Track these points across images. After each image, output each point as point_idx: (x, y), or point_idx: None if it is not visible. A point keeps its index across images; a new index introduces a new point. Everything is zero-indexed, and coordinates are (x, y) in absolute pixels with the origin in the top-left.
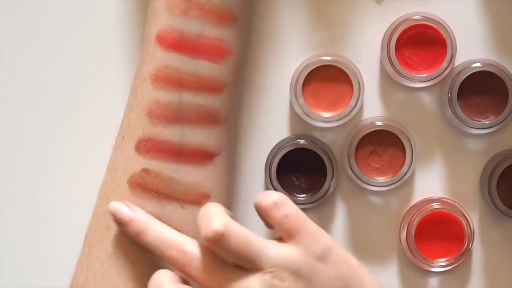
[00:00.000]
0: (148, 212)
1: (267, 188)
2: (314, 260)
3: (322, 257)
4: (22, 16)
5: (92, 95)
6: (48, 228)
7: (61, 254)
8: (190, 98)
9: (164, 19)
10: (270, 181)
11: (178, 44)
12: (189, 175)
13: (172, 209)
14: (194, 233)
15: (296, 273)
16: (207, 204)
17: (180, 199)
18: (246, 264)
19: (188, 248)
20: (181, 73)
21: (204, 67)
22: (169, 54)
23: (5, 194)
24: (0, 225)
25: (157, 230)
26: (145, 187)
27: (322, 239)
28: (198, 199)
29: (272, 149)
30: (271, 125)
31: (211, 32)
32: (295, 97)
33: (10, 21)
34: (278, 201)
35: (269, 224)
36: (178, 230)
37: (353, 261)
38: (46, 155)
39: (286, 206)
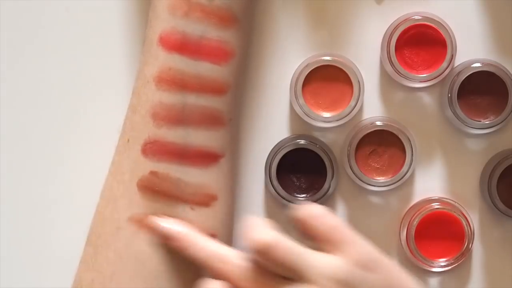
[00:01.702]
0: (160, 214)
1: (267, 188)
2: (361, 270)
3: (368, 266)
4: (23, 19)
5: (93, 97)
6: (48, 229)
7: (62, 255)
8: (194, 100)
9: (166, 21)
10: (270, 181)
11: (181, 46)
12: (196, 177)
13: (182, 211)
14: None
15: (343, 283)
16: (250, 217)
17: (189, 200)
18: (293, 275)
19: (235, 260)
20: (184, 75)
21: (207, 69)
22: (172, 55)
23: (7, 195)
24: (1, 225)
25: (203, 244)
26: (155, 189)
27: (367, 249)
28: (206, 201)
29: (272, 149)
30: (271, 125)
31: (214, 34)
32: (295, 97)
33: (11, 23)
34: (320, 212)
35: (307, 235)
36: None
37: (397, 268)
38: (47, 157)
39: (328, 216)
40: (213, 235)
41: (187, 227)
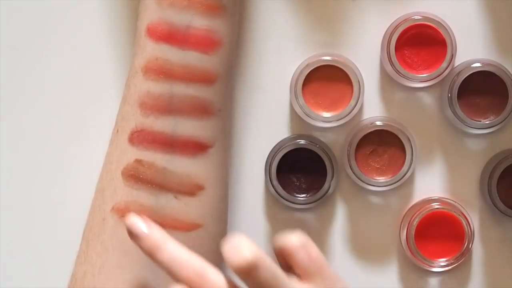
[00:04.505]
0: (142, 203)
1: (267, 188)
2: None
3: None
4: (17, 14)
5: (89, 91)
6: (48, 225)
7: (61, 250)
8: (182, 89)
9: (153, 11)
10: (270, 181)
11: (168, 36)
12: (182, 166)
13: (166, 200)
14: (187, 224)
15: None
16: (234, 235)
17: (173, 189)
18: None
19: (204, 270)
20: (172, 65)
21: (195, 58)
22: (160, 46)
23: (4, 191)
24: (0, 223)
25: (172, 249)
26: (139, 177)
27: (340, 284)
28: (192, 190)
29: (272, 149)
30: (271, 125)
31: (201, 23)
32: (295, 97)
33: (6, 19)
34: (305, 242)
35: (284, 265)
36: (172, 221)
37: None
38: (44, 152)
39: (311, 248)
40: (198, 225)
41: (160, 231)
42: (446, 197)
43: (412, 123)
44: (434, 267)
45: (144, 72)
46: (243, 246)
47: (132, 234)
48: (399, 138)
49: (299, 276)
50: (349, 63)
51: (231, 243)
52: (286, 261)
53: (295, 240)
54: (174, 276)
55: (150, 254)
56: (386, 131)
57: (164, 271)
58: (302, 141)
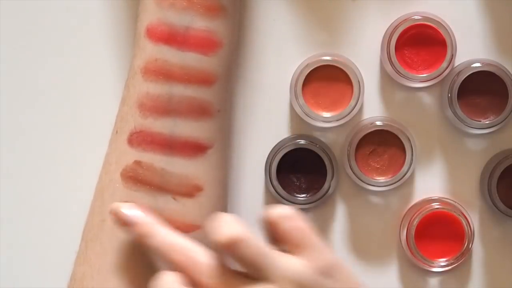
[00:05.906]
0: (141, 204)
1: (267, 188)
2: (319, 274)
3: (328, 272)
4: (17, 14)
5: (89, 92)
6: (47, 226)
7: (61, 251)
8: (181, 91)
9: (152, 13)
10: (270, 181)
11: (168, 37)
12: (181, 167)
13: (165, 201)
14: (186, 225)
15: (302, 286)
16: (220, 214)
17: (172, 191)
18: (253, 273)
19: (195, 253)
20: (171, 66)
21: (194, 60)
22: (159, 47)
23: (4, 192)
24: (0, 224)
25: (162, 233)
26: (138, 179)
27: (328, 254)
28: (191, 191)
29: (272, 149)
30: (271, 125)
31: (200, 24)
32: (295, 97)
33: (6, 19)
34: (289, 213)
35: (273, 239)
36: (171, 222)
37: (356, 280)
38: (43, 153)
39: (297, 218)
40: (196, 227)
41: (148, 216)
42: (446, 197)
43: (412, 123)
44: (434, 267)
45: (143, 73)
46: (224, 223)
47: (120, 222)
48: (399, 138)
49: (289, 251)
50: (349, 63)
51: (214, 221)
52: (275, 236)
53: (280, 210)
54: (166, 260)
55: (141, 240)
56: (386, 131)
57: (155, 255)
58: (302, 141)
